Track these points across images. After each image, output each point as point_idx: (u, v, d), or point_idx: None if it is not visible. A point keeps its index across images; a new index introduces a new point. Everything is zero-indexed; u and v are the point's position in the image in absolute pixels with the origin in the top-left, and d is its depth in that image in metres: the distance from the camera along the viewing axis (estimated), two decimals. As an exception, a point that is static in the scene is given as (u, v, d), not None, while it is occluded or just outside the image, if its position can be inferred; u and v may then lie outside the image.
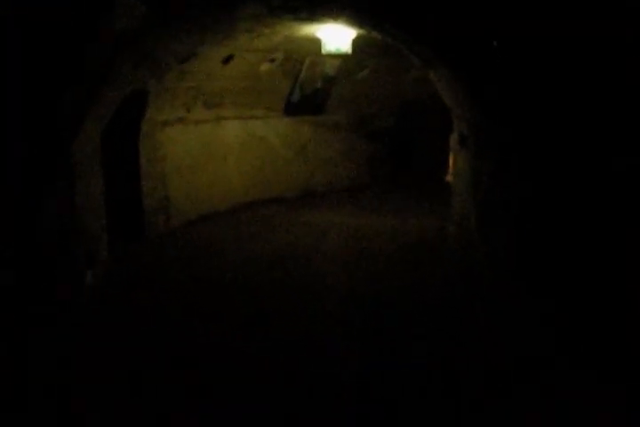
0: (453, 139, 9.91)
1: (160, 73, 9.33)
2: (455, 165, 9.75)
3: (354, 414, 4.96)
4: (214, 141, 12.26)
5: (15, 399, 5.06)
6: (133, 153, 10.01)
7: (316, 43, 10.36)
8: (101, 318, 6.97)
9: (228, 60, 11.07)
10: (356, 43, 10.29)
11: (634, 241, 4.04)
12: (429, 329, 6.60)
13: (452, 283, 8.10)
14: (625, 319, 4.15)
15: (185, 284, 8.17)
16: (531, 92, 5.56)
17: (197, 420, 4.88)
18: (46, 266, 6.41)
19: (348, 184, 15.30)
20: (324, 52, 10.36)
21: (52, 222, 6.56)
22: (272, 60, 12.09)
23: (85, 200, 7.63)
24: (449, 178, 17.59)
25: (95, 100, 7.25)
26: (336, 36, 9.99)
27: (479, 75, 6.76)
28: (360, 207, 13.27)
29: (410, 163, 16.19)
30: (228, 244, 10.15)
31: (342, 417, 4.91)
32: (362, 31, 9.28)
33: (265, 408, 5.02)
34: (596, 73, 4.58)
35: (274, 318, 6.94)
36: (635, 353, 4.00)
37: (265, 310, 7.21)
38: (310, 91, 13.66)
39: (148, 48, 7.82)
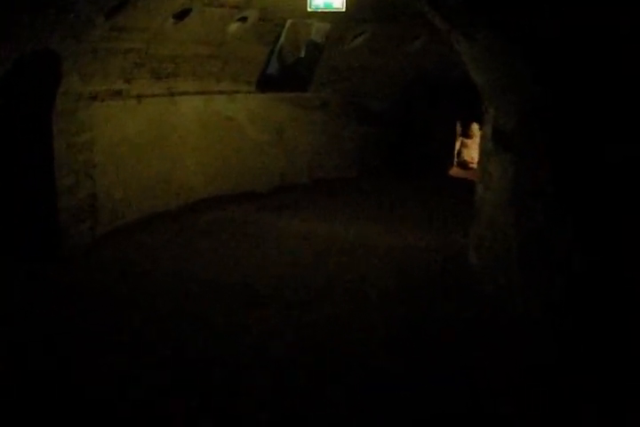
0: (481, 133, 7.31)
1: (79, 28, 6.59)
2: (483, 170, 7.12)
3: None
4: (166, 123, 9.53)
5: None
6: (44, 137, 7.27)
7: (301, -2, 7.73)
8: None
9: (182, 15, 8.33)
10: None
11: None
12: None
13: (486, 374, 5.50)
14: None
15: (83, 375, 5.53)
16: None
17: None
18: None
19: (333, 177, 12.65)
20: (310, 8, 7.78)
21: None
22: (243, 20, 9.35)
23: None
24: (454, 171, 15.06)
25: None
26: (328, -13, 7.37)
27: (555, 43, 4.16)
28: (347, 210, 10.62)
29: (407, 152, 13.53)
30: (167, 269, 7.49)
31: None
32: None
33: None
34: None
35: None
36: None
37: None
38: (291, 61, 10.94)
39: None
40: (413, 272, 7.53)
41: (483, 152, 7.24)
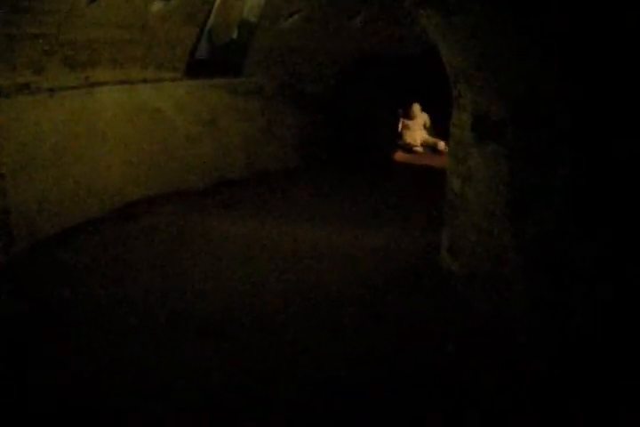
0: (453, 120, 6.44)
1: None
2: (459, 163, 6.25)
3: None
4: (85, 118, 8.28)
5: None
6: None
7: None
8: None
9: (97, -7, 7.10)
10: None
11: None
12: None
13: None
14: None
15: None
16: None
17: None
18: None
19: (274, 168, 11.62)
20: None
21: None
22: (168, -3, 8.17)
23: None
24: (398, 155, 14.22)
25: None
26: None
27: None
28: (294, 207, 9.63)
29: (350, 137, 12.60)
30: (90, 296, 6.32)
31: None
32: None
33: None
34: None
35: None
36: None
37: None
38: (223, 43, 9.80)
39: None
40: (381, 276, 6.62)
41: (457, 142, 6.35)
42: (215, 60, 9.83)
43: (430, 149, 14.26)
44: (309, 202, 9.86)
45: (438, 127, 14.59)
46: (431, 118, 14.52)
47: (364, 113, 12.72)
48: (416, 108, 14.32)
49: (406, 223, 8.74)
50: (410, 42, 12.75)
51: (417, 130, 14.40)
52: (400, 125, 14.32)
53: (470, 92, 5.79)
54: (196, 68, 9.68)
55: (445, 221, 6.95)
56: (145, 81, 9.17)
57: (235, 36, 9.81)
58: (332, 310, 5.91)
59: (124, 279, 6.61)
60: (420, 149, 14.05)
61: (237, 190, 10.44)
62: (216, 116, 10.50)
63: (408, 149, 13.98)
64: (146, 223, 8.57)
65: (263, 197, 10.06)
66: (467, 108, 5.94)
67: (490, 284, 5.61)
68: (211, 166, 10.58)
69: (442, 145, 14.07)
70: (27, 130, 7.31)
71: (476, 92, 5.66)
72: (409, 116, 14.34)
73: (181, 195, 9.88)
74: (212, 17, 9.14)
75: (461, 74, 5.84)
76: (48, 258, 7.18)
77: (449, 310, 5.88)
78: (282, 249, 7.64)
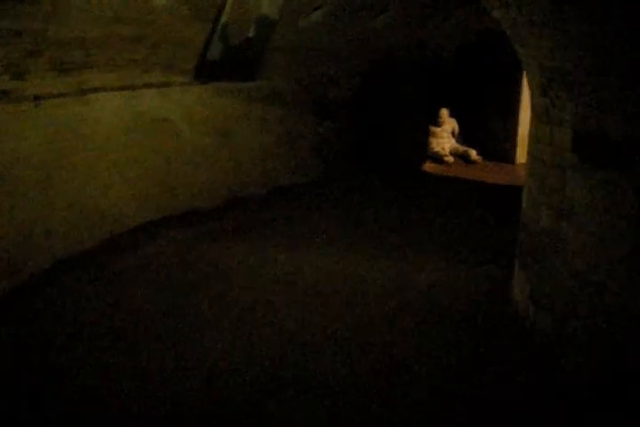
0: (532, 133, 5.16)
1: None
2: (552, 190, 4.95)
3: None
4: (77, 131, 6.99)
5: None
6: None
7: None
8: None
9: (92, -20, 5.81)
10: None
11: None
12: None
13: None
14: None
15: None
16: None
17: None
18: None
19: (292, 183, 10.31)
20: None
21: None
22: (176, -13, 6.87)
23: None
24: (429, 166, 12.88)
25: None
26: None
27: None
28: (313, 228, 8.36)
29: (375, 148, 11.31)
30: (73, 370, 5.03)
31: None
32: None
33: None
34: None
35: None
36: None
37: None
38: (238, 42, 8.49)
39: None
40: (441, 345, 5.27)
41: (542, 163, 5.04)
42: (229, 61, 8.51)
43: (461, 158, 12.94)
44: (334, 225, 8.54)
45: (465, 134, 13.31)
46: (459, 124, 13.22)
47: (391, 120, 11.45)
48: (444, 113, 13.01)
49: (453, 252, 7.45)
50: (438, 43, 11.47)
51: (445, 137, 13.08)
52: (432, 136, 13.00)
53: (572, 101, 4.48)
54: (207, 71, 8.37)
55: (520, 259, 5.66)
56: (148, 86, 7.87)
57: (251, 34, 8.49)
58: (377, 396, 4.60)
59: (117, 344, 5.27)
60: (450, 158, 12.73)
61: (251, 211, 9.12)
62: (229, 126, 9.20)
63: (438, 159, 12.65)
64: (148, 255, 7.27)
65: (281, 220, 8.75)
66: (564, 122, 4.63)
67: (600, 353, 4.31)
68: (223, 184, 9.27)
69: (474, 154, 12.76)
70: (6, 146, 6.01)
71: (583, 103, 4.35)
72: (436, 122, 13.01)
73: (189, 217, 8.59)
74: (226, 12, 7.82)
75: (559, 78, 4.53)
76: (30, 305, 5.87)
77: (538, 383, 4.57)
78: (309, 289, 6.33)
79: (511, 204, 9.67)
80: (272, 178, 10.02)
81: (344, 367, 4.80)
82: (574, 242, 4.59)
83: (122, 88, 7.47)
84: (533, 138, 5.26)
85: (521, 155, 12.51)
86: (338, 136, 10.87)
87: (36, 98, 6.31)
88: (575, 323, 4.60)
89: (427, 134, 12.50)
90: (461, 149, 13.05)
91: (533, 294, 5.23)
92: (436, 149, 12.85)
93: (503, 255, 7.28)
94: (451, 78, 12.28)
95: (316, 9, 8.98)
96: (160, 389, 4.49)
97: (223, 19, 7.93)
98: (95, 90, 7.07)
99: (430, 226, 8.47)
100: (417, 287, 6.39)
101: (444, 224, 8.54)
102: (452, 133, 13.25)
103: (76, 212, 7.06)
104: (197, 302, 5.98)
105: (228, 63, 8.57)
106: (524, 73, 5.75)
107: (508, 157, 12.59)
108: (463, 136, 13.36)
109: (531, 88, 5.32)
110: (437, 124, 13.04)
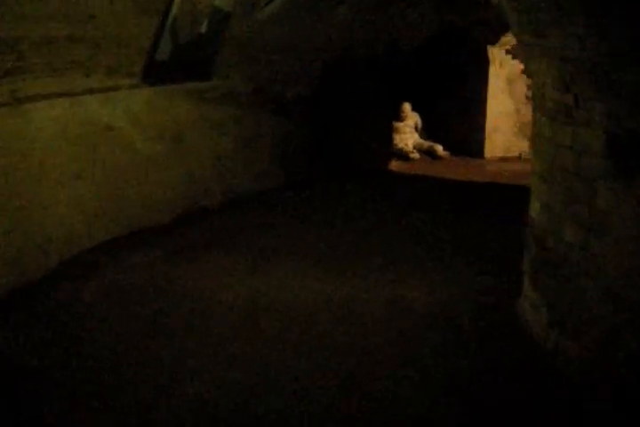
0: (548, 134, 4.54)
1: None
2: (574, 201, 4.31)
3: None
4: (14, 146, 6.09)
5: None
6: None
7: None
8: None
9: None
10: None
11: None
12: None
13: None
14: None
15: None
16: None
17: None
18: None
19: (254, 191, 9.53)
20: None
21: None
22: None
23: None
24: (395, 165, 12.20)
25: None
26: None
27: None
28: (281, 240, 7.62)
29: (338, 148, 10.61)
30: None
31: None
32: None
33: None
34: None
35: None
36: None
37: None
38: (190, 38, 7.66)
39: None
40: (446, 383, 4.56)
41: (564, 170, 4.40)
42: (180, 60, 7.68)
43: (427, 154, 12.32)
44: (304, 235, 7.82)
45: (431, 128, 12.71)
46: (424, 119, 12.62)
47: (353, 117, 10.75)
48: (406, 107, 12.38)
49: (444, 263, 6.81)
50: (400, 35, 10.83)
51: (408, 132, 12.46)
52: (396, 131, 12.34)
53: (603, 99, 3.84)
54: (156, 72, 7.52)
55: (532, 277, 5.03)
56: (91, 91, 6.99)
57: (204, 29, 7.67)
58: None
59: (75, 394, 4.44)
60: (415, 155, 12.11)
61: (213, 223, 8.31)
62: (183, 131, 8.36)
63: (404, 156, 12.00)
64: (107, 281, 6.43)
65: (246, 232, 7.97)
66: (591, 123, 3.99)
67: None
68: (179, 194, 8.44)
69: (440, 150, 12.17)
70: None
71: (619, 101, 3.71)
72: (398, 117, 12.36)
73: (147, 234, 7.75)
74: (176, 4, 6.99)
75: (585, 72, 3.89)
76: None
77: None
78: (288, 315, 5.61)
79: (486, 202, 9.13)
80: (230, 185, 9.22)
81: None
82: (610, 261, 3.97)
83: (61, 95, 6.57)
84: (547, 140, 4.62)
85: (490, 148, 11.98)
86: (298, 137, 10.12)
87: (-39, 110, 5.40)
88: (615, 354, 3.99)
89: (391, 131, 11.83)
90: (426, 144, 12.44)
91: (554, 318, 4.59)
92: (400, 145, 12.21)
93: (494, 262, 6.71)
94: (414, 71, 11.65)
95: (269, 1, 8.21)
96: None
97: (173, 12, 7.09)
98: (32, 98, 6.16)
99: (406, 233, 7.82)
100: (409, 307, 5.72)
101: (419, 230, 7.90)
102: (416, 128, 12.63)
103: (17, 235, 6.16)
104: (163, 337, 5.19)
105: (179, 62, 7.73)
106: (526, 63, 5.10)
107: (476, 151, 12.03)
108: (429, 131, 12.75)
109: (538, 83, 4.67)
110: (399, 120, 12.39)
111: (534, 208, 4.95)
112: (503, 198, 9.14)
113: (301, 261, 6.91)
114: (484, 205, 8.99)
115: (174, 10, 7.08)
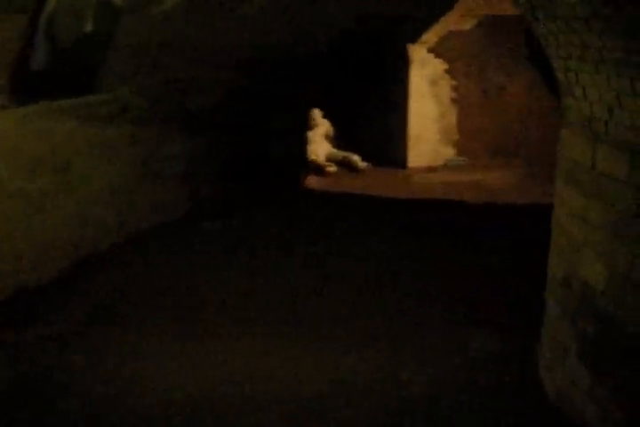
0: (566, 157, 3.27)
1: None
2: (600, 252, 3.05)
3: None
4: None
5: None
6: None
7: None
8: None
9: None
10: None
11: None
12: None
13: None
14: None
15: None
16: None
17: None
18: None
19: (156, 223, 7.83)
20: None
21: None
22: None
23: None
24: (312, 181, 10.67)
25: None
26: None
27: None
28: (200, 304, 5.91)
29: (252, 165, 9.08)
30: None
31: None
32: None
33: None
34: None
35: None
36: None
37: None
38: (71, 41, 5.88)
39: None
40: None
41: (604, 212, 3.13)
42: (60, 70, 5.88)
43: (344, 166, 10.98)
44: (226, 290, 6.15)
45: (347, 137, 11.38)
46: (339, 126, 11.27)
47: (263, 129, 9.24)
48: (316, 114, 10.98)
49: (409, 314, 5.47)
50: (314, 33, 9.40)
51: (319, 142, 11.07)
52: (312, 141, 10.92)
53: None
54: (29, 87, 5.69)
55: (594, 366, 3.73)
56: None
57: (89, 28, 5.91)
58: None
59: None
60: (332, 168, 10.73)
61: (107, 277, 6.47)
62: (67, 157, 6.55)
63: (319, 170, 10.58)
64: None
65: (149, 288, 6.22)
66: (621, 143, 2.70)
67: None
68: (66, 240, 6.63)
69: (358, 161, 10.86)
70: None
71: None
72: (308, 125, 10.95)
73: (19, 303, 5.84)
74: (52, 1, 5.23)
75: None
76: None
77: None
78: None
79: (419, 226, 7.84)
80: (129, 221, 7.48)
81: None
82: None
83: None
84: (573, 162, 3.33)
85: (414, 157, 10.78)
86: (208, 155, 8.49)
87: None
88: None
89: (305, 143, 10.40)
90: (341, 155, 11.09)
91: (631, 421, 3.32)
92: (312, 156, 10.79)
93: (478, 311, 5.47)
94: (328, 73, 10.26)
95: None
96: None
97: (48, 7, 5.30)
98: None
99: (343, 277, 6.37)
100: (407, 395, 4.32)
101: (358, 270, 6.51)
102: (326, 137, 11.26)
103: None
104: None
105: (58, 72, 5.92)
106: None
107: (398, 160, 10.81)
108: (344, 140, 11.39)
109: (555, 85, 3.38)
110: (309, 128, 10.98)
111: (592, 270, 3.65)
112: (445, 220, 7.96)
113: (233, 326, 5.32)
114: (426, 229, 7.73)
115: (50, 5, 5.29)
